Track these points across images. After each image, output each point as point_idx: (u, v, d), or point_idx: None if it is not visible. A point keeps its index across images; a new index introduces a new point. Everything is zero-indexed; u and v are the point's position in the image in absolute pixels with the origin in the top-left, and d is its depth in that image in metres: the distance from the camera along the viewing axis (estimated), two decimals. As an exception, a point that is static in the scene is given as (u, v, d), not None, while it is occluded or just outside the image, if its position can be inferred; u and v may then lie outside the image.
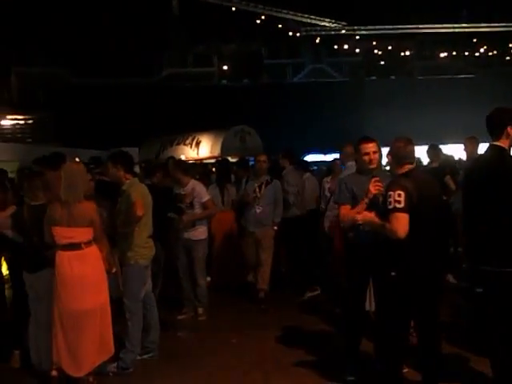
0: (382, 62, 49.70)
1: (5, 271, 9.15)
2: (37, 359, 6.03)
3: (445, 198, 8.61)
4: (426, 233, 4.83)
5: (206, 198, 8.10)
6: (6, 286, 8.97)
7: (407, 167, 4.99)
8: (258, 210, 8.45)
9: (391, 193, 4.75)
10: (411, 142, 5.13)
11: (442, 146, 10.97)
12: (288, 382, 5.79)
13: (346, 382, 5.46)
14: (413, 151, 5.09)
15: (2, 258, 8.93)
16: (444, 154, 10.93)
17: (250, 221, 8.58)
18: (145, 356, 6.40)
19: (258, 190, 8.49)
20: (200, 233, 8.07)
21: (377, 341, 5.38)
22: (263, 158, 8.84)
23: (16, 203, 6.52)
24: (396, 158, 5.08)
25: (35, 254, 5.87)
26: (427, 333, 5.00)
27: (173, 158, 9.75)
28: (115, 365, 6.10)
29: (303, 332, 7.35)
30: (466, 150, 8.90)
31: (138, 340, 6.26)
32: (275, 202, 8.62)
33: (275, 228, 8.66)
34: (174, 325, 7.51)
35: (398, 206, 4.68)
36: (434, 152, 10.11)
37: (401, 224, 4.67)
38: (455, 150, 12.71)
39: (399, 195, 4.71)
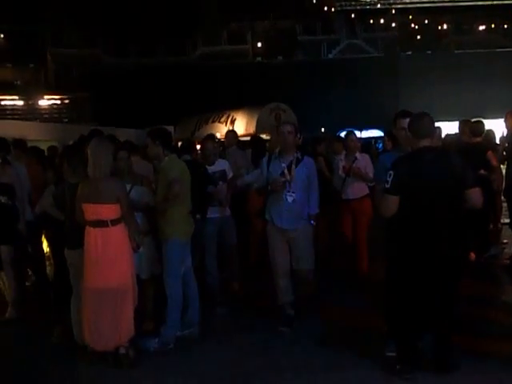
0: (418, 37, 48.91)
1: (45, 248, 9.34)
2: (78, 335, 6.11)
3: (485, 173, 8.50)
4: (424, 212, 4.94)
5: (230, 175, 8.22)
6: (47, 262, 9.17)
7: (422, 143, 5.02)
8: (289, 198, 6.49)
9: (388, 172, 5.03)
10: (426, 117, 5.10)
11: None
12: (327, 357, 5.80)
13: (386, 358, 5.42)
14: (428, 127, 5.07)
15: (44, 236, 9.12)
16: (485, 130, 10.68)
17: (279, 214, 6.59)
18: (185, 332, 6.43)
19: (286, 171, 6.48)
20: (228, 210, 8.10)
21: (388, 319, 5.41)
22: (289, 128, 6.66)
23: (56, 181, 6.59)
24: (412, 133, 5.15)
25: (75, 231, 5.91)
26: (439, 315, 5.16)
27: (212, 135, 9.70)
28: (156, 340, 6.15)
29: (343, 307, 7.33)
30: (506, 124, 8.73)
31: (178, 316, 6.30)
32: (310, 186, 6.63)
33: (313, 223, 6.72)
34: (213, 301, 7.53)
35: (386, 185, 4.99)
36: (476, 126, 9.75)
37: (383, 204, 5.10)
38: (494, 125, 12.46)
39: (390, 175, 4.96)
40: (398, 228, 5.10)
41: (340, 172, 8.67)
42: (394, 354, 5.31)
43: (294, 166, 6.45)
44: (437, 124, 5.64)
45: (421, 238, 4.98)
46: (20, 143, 9.47)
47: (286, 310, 6.60)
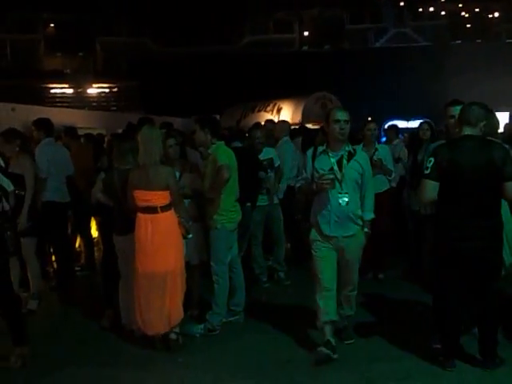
0: (468, 25, 48.00)
1: (94, 234, 9.51)
2: (126, 319, 6.22)
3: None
4: (462, 199, 4.97)
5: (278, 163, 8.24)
6: (96, 248, 9.34)
7: (466, 131, 5.07)
8: (341, 201, 5.38)
9: (427, 158, 5.15)
10: (473, 106, 5.17)
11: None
12: (374, 345, 5.81)
13: (432, 350, 5.39)
14: (473, 115, 5.09)
15: (93, 222, 9.28)
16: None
17: (327, 219, 5.43)
18: (230, 319, 6.51)
19: (336, 167, 5.40)
20: (275, 198, 8.11)
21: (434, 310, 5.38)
22: (345, 115, 5.46)
23: (106, 168, 6.69)
24: (458, 121, 5.26)
25: (124, 217, 6.00)
26: (483, 306, 5.15)
27: (259, 123, 9.70)
28: (202, 326, 6.23)
29: (387, 298, 7.30)
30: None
31: (224, 303, 6.36)
32: (363, 185, 5.54)
33: (367, 230, 5.61)
34: (258, 289, 7.57)
35: (425, 171, 5.06)
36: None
37: (422, 190, 5.13)
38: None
39: (430, 161, 5.05)
40: (438, 215, 5.21)
41: None
42: (439, 346, 5.28)
43: (345, 162, 5.37)
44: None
45: (460, 226, 5.00)
46: (70, 131, 9.64)
47: (326, 334, 5.52)
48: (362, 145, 7.57)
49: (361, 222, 5.51)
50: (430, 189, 5.05)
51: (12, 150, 7.05)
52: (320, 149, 5.52)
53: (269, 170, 7.97)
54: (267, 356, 5.68)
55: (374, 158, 7.70)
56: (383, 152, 8.05)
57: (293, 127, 15.48)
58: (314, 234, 5.54)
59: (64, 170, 8.24)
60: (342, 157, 5.41)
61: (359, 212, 5.48)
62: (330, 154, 5.42)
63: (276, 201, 8.12)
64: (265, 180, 7.82)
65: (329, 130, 5.40)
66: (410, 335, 5.93)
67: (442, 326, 5.24)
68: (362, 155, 5.57)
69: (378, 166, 7.64)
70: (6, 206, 5.40)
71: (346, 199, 5.35)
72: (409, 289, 7.56)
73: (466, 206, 4.97)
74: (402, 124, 25.17)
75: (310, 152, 5.61)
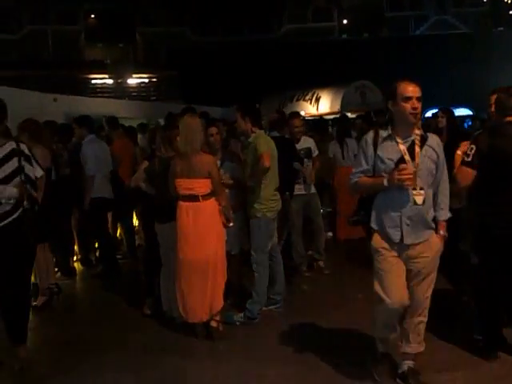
0: (511, 12, 47.03)
1: (134, 222, 9.63)
2: (167, 307, 6.30)
3: None
4: (505, 187, 4.89)
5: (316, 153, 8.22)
6: (137, 236, 9.46)
7: (508, 119, 4.94)
8: (417, 199, 4.31)
9: (469, 146, 4.97)
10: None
11: None
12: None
13: (474, 341, 5.33)
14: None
15: (134, 211, 9.40)
16: None
17: (396, 223, 4.37)
18: (270, 307, 6.53)
19: (406, 152, 4.32)
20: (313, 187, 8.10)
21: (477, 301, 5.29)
22: (418, 91, 4.38)
23: (148, 157, 6.76)
24: (497, 109, 5.10)
25: (166, 205, 6.05)
26: None
27: (297, 113, 9.69)
28: (242, 315, 6.26)
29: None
30: None
31: (264, 291, 6.37)
32: (437, 177, 4.46)
33: (443, 233, 4.51)
34: (299, 278, 7.58)
35: (465, 159, 4.92)
36: None
37: (459, 176, 4.94)
38: None
39: (471, 149, 4.91)
40: (478, 204, 5.10)
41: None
42: (480, 338, 5.22)
43: (418, 149, 4.31)
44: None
45: (502, 214, 4.90)
46: (112, 120, 9.77)
47: (403, 365, 4.68)
48: None
49: (433, 225, 4.48)
50: (469, 175, 4.92)
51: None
52: (383, 133, 4.42)
53: (306, 160, 7.95)
54: (307, 344, 5.66)
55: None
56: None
57: (332, 116, 15.44)
58: (376, 240, 4.47)
59: (108, 166, 8.41)
60: (413, 143, 4.35)
61: (432, 211, 4.46)
62: (398, 140, 4.35)
63: (313, 190, 8.10)
64: (301, 170, 7.80)
65: (395, 110, 4.34)
66: (451, 326, 5.88)
67: (484, 316, 5.17)
68: (433, 139, 4.44)
69: None
70: (32, 194, 5.35)
71: (422, 197, 4.30)
72: (450, 278, 7.48)
73: (509, 192, 4.89)
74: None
75: (369, 138, 4.47)
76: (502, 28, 44.27)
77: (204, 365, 5.41)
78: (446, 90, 30.91)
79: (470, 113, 27.57)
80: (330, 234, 9.71)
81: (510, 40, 37.43)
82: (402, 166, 4.22)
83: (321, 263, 8.26)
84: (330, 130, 12.16)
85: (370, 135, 4.49)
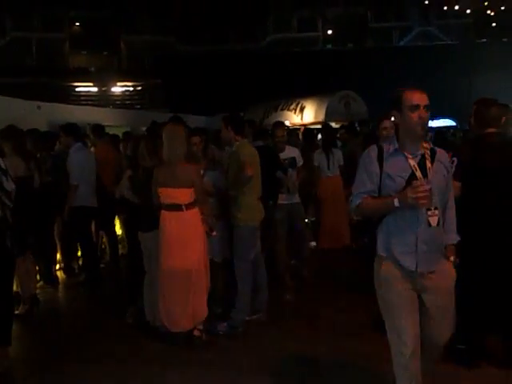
0: (494, 24, 47.51)
1: (118, 231, 9.60)
2: (151, 315, 6.27)
3: None
4: (487, 199, 4.87)
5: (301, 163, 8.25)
6: (120, 245, 9.43)
7: (488, 131, 4.95)
8: (431, 220, 3.82)
9: (451, 158, 4.75)
10: (495, 105, 4.99)
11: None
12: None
13: (455, 350, 5.34)
14: (497, 115, 4.97)
15: (117, 219, 9.37)
16: None
17: (409, 248, 3.82)
18: (254, 316, 6.50)
19: (417, 168, 3.82)
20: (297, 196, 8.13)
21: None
22: (426, 100, 3.99)
23: (132, 165, 6.76)
24: (477, 121, 5.09)
25: (149, 214, 6.04)
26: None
27: (281, 122, 9.71)
28: (225, 324, 6.25)
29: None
30: None
31: (248, 300, 6.36)
32: (445, 194, 4.00)
33: (453, 259, 4.07)
34: (282, 287, 7.58)
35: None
36: None
37: None
38: None
39: (453, 161, 4.79)
40: (464, 217, 4.77)
41: None
42: (463, 347, 5.24)
43: (429, 164, 3.86)
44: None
45: (485, 228, 4.92)
46: (97, 128, 9.76)
47: None
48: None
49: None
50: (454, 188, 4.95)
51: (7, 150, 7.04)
52: (389, 148, 3.91)
53: (290, 169, 7.97)
54: (290, 354, 5.68)
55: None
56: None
57: (316, 126, 15.51)
58: (385, 269, 3.87)
59: (93, 175, 8.40)
60: (422, 157, 3.87)
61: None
62: (407, 155, 3.84)
63: (297, 199, 8.12)
64: (284, 179, 7.80)
65: (401, 121, 3.89)
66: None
67: (467, 326, 5.18)
68: (442, 153, 4.01)
69: None
70: (6, 204, 5.33)
71: (437, 217, 3.82)
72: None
73: (492, 203, 4.90)
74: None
75: (373, 153, 3.91)
76: (484, 40, 44.73)
77: (187, 375, 5.37)
78: (429, 101, 31.10)
79: (454, 124, 27.78)
80: (314, 243, 9.73)
81: (493, 51, 37.82)
82: (416, 182, 3.66)
83: (304, 272, 8.27)
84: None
85: (374, 150, 3.92)
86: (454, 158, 4.93)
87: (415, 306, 3.84)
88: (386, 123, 6.59)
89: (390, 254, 3.86)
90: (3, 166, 5.24)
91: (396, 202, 3.68)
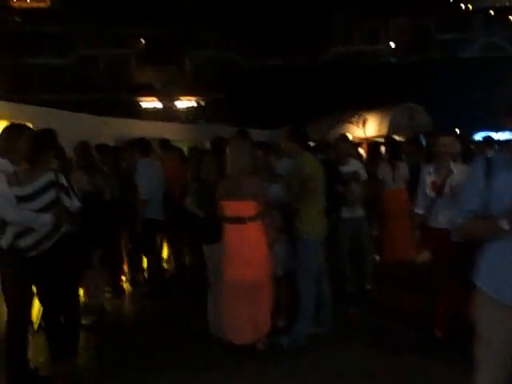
0: (562, 33, 46.38)
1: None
2: (214, 327, 6.34)
3: None
4: None
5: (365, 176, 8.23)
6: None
7: None
8: None
9: None
10: None
11: None
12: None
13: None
14: None
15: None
16: None
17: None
18: (317, 330, 6.49)
19: None
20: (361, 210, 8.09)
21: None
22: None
23: (196, 179, 6.87)
24: None
25: (213, 226, 6.12)
26: None
27: (345, 136, 9.70)
28: (289, 337, 6.25)
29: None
30: None
31: (311, 314, 6.36)
32: None
33: None
34: (345, 300, 7.55)
35: None
36: None
37: None
38: None
39: None
40: None
41: (428, 190, 6.32)
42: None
43: None
44: None
45: None
46: (165, 143, 9.95)
47: None
48: (433, 165, 6.34)
49: None
50: None
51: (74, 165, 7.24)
52: (499, 158, 3.40)
53: (353, 183, 7.94)
54: (353, 369, 5.64)
55: (448, 181, 6.12)
56: (462, 174, 5.98)
57: (379, 139, 15.39)
58: (484, 305, 3.39)
59: (161, 188, 8.56)
60: None
61: None
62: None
63: (361, 213, 8.08)
64: (347, 193, 7.76)
65: None
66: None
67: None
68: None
69: (452, 194, 5.99)
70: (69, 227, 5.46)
71: None
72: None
73: None
74: (491, 135, 24.60)
75: (479, 167, 3.43)
76: (553, 50, 43.64)
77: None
78: (494, 113, 30.52)
79: (521, 136, 27.15)
80: (377, 257, 9.65)
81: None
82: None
83: (368, 287, 8.22)
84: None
85: (481, 163, 3.43)
86: None
87: None
88: (444, 140, 6.26)
89: (491, 287, 3.33)
90: (65, 182, 5.34)
91: (505, 225, 3.16)
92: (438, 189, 6.13)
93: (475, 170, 3.44)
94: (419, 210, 6.37)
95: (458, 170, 6.13)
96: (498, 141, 13.89)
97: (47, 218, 5.07)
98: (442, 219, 5.94)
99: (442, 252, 5.79)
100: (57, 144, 5.50)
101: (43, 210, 5.08)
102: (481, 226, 3.35)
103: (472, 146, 11.67)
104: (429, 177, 6.26)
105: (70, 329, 5.54)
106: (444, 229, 5.57)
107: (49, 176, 5.19)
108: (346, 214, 7.75)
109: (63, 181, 5.31)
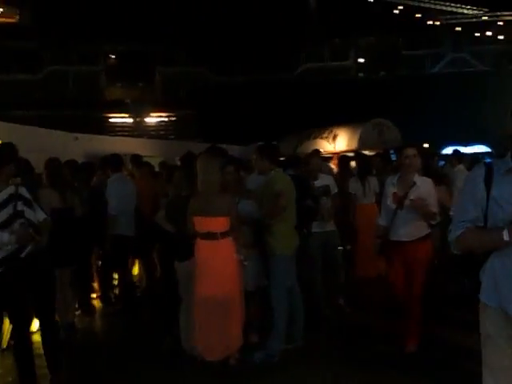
0: (528, 50, 47.24)
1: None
2: (187, 344, 6.28)
3: None
4: None
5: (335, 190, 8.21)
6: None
7: None
8: None
9: None
10: None
11: None
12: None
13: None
14: None
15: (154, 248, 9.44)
16: None
17: None
18: (289, 345, 6.46)
19: None
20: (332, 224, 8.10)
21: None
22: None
23: (166, 195, 6.85)
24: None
25: (185, 243, 6.09)
26: None
27: (317, 150, 9.75)
28: (261, 353, 6.22)
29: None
30: None
31: (284, 329, 6.33)
32: None
33: None
34: (317, 315, 7.55)
35: None
36: None
37: None
38: None
39: None
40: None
41: (389, 201, 6.29)
42: None
43: None
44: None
45: None
46: (136, 159, 9.92)
47: None
48: (397, 176, 6.31)
49: None
50: None
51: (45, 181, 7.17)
52: (501, 166, 3.17)
53: (324, 198, 7.97)
54: (327, 382, 5.65)
55: (411, 195, 6.05)
56: (425, 187, 6.17)
57: (349, 154, 15.50)
58: (489, 322, 3.18)
59: (132, 204, 8.52)
60: None
61: None
62: None
63: (332, 227, 8.11)
64: (315, 207, 7.78)
65: None
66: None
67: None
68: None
69: (416, 207, 5.99)
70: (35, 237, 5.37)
71: None
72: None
73: None
74: (460, 149, 24.96)
75: (478, 174, 3.24)
76: (518, 66, 44.43)
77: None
78: (462, 127, 30.96)
79: (488, 150, 27.59)
80: (349, 271, 9.69)
81: (527, 77, 37.55)
82: None
83: (341, 301, 8.23)
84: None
85: (480, 170, 3.24)
86: None
87: None
88: (408, 151, 6.18)
89: (496, 302, 3.11)
90: (27, 195, 5.28)
91: (506, 236, 2.98)
92: (399, 200, 6.10)
93: (474, 177, 3.23)
94: (382, 222, 6.37)
95: (420, 183, 6.12)
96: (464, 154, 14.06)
97: (5, 236, 4.97)
98: (402, 232, 6.06)
99: (399, 265, 6.10)
100: (17, 158, 5.43)
101: (3, 225, 5.00)
102: (482, 237, 3.17)
103: (435, 160, 11.86)
104: (392, 188, 6.23)
105: (52, 344, 5.58)
106: (403, 241, 5.93)
107: (9, 190, 5.12)
108: (316, 228, 7.76)
109: (25, 193, 5.24)
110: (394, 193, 6.15)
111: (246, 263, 6.10)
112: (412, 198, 5.97)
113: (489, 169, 3.16)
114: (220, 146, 8.73)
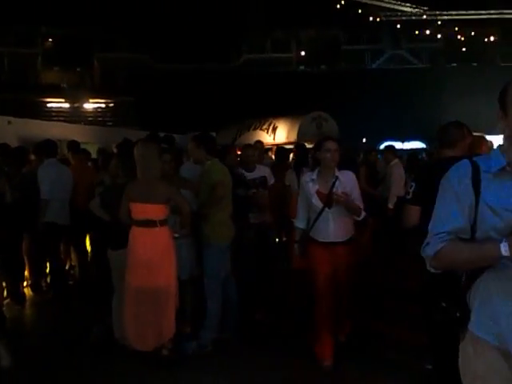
0: (464, 49, 48.42)
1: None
2: (119, 334, 6.21)
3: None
4: None
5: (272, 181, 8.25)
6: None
7: (446, 153, 4.86)
8: None
9: (409, 183, 4.86)
10: (458, 127, 4.95)
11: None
12: (361, 367, 5.79)
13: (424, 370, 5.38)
14: (451, 136, 4.87)
15: (87, 236, 9.30)
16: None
17: None
18: (223, 335, 6.45)
19: None
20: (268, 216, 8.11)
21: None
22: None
23: (101, 182, 6.73)
24: (439, 142, 5.04)
25: (119, 231, 6.00)
26: None
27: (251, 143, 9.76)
28: (194, 342, 6.21)
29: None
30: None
31: (217, 319, 6.33)
32: None
33: None
34: (252, 306, 7.57)
35: (407, 196, 4.84)
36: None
37: (404, 214, 4.81)
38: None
39: (411, 187, 4.83)
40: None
41: (315, 200, 5.81)
42: (430, 367, 5.24)
43: None
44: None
45: None
46: (73, 145, 9.71)
47: None
48: (316, 171, 5.88)
49: None
50: (411, 213, 4.74)
51: None
52: (492, 165, 2.55)
53: (261, 189, 7.97)
54: (261, 374, 5.67)
55: (335, 189, 5.70)
56: (348, 181, 5.81)
57: (288, 146, 15.58)
58: (483, 359, 2.58)
59: (66, 191, 8.32)
60: None
61: None
62: None
63: (268, 219, 8.11)
64: (253, 198, 7.76)
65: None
66: (400, 355, 5.93)
67: (436, 346, 5.14)
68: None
69: (340, 202, 5.65)
70: None
71: None
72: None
73: None
74: (397, 145, 25.43)
75: (464, 174, 2.60)
76: (455, 64, 45.53)
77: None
78: (400, 123, 31.52)
79: (424, 146, 28.18)
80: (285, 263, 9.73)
81: (463, 76, 38.51)
82: None
83: (275, 292, 8.24)
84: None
85: (466, 168, 2.62)
86: (412, 183, 4.88)
87: None
88: (329, 144, 5.73)
89: (490, 333, 2.54)
90: None
91: (503, 250, 2.40)
92: (326, 198, 5.69)
93: (458, 178, 2.60)
94: (301, 225, 6.01)
95: (343, 177, 5.76)
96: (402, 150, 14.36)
97: None
98: (331, 232, 5.75)
99: (326, 267, 5.73)
100: None
101: None
102: (471, 251, 2.53)
103: (372, 155, 12.14)
104: (312, 185, 5.79)
105: None
106: (332, 242, 5.71)
107: None
108: (252, 219, 7.77)
109: None
110: (318, 191, 5.75)
111: (181, 252, 6.05)
112: (337, 193, 5.63)
113: (475, 167, 2.58)
114: (160, 134, 8.67)
